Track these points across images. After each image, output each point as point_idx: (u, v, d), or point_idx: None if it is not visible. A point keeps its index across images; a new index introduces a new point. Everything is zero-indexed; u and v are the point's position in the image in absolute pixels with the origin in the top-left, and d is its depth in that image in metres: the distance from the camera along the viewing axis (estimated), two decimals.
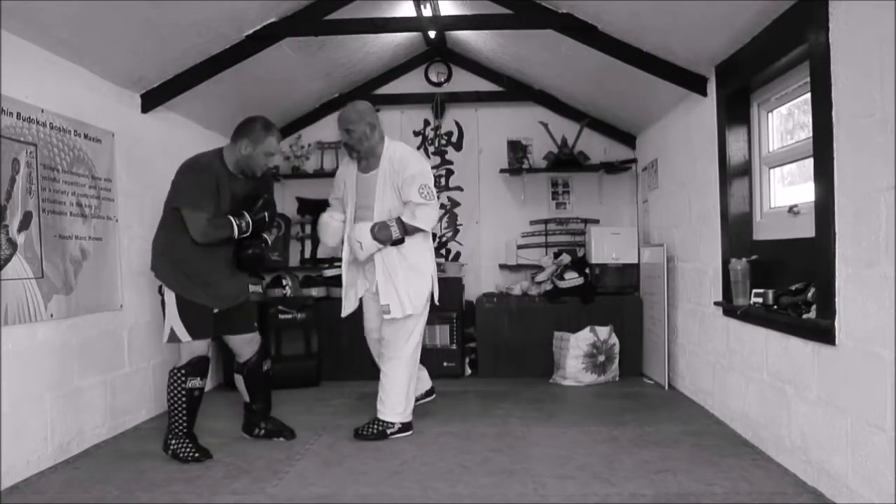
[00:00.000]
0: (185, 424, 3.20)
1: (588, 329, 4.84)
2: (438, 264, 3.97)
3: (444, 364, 5.08)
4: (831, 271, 2.52)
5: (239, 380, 3.49)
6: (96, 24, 3.16)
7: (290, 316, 4.95)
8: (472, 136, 5.86)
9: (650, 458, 3.13)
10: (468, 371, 5.27)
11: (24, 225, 2.99)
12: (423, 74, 5.78)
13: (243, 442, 3.51)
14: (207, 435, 3.42)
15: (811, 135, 2.73)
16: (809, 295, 2.80)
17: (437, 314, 4.21)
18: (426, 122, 5.86)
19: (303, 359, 4.94)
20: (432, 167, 5.38)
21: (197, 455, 3.19)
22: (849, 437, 2.45)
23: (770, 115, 3.53)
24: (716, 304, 3.75)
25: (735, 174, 3.62)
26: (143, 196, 3.96)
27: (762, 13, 2.98)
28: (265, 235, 3.37)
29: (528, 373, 5.06)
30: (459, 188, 5.87)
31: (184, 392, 3.16)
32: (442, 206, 5.77)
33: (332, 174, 5.47)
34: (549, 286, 5.25)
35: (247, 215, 3.22)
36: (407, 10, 4.37)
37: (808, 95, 2.80)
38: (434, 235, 4.63)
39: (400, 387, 3.55)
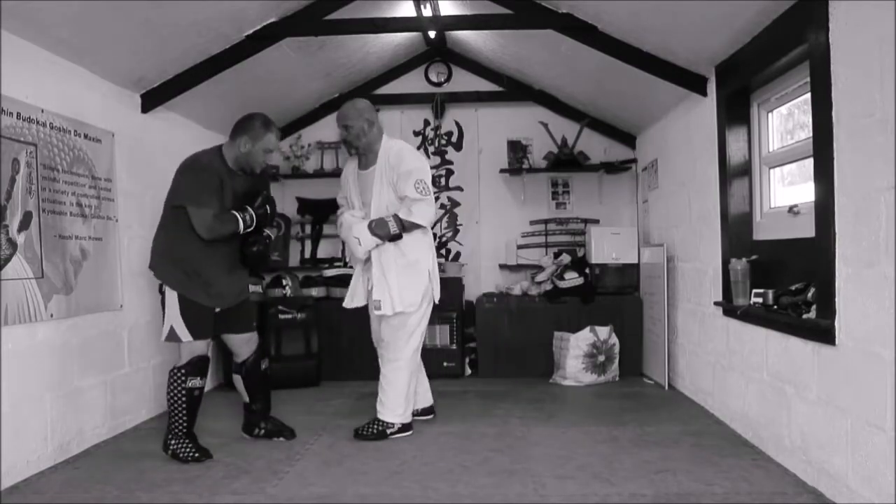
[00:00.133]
0: (185, 424, 3.20)
1: (588, 329, 4.84)
2: (439, 264, 3.94)
3: (444, 364, 5.08)
4: (831, 271, 2.52)
5: (238, 380, 3.49)
6: (96, 24, 3.16)
7: (290, 316, 4.95)
8: (472, 136, 5.85)
9: (650, 458, 3.13)
10: (468, 371, 5.27)
11: (24, 225, 2.99)
12: (423, 74, 5.77)
13: (243, 442, 3.51)
14: (207, 435, 3.42)
15: (811, 135, 2.73)
16: (809, 295, 2.80)
17: (437, 314, 4.20)
18: (426, 122, 5.86)
19: (303, 359, 4.94)
20: (432, 167, 5.38)
21: (197, 455, 3.19)
22: (849, 437, 2.45)
23: (770, 115, 3.53)
24: (716, 304, 3.75)
25: (735, 174, 3.62)
26: (143, 196, 3.96)
27: (762, 13, 2.98)
28: (268, 231, 3.37)
29: (528, 373, 5.06)
30: (459, 188, 5.87)
31: (184, 392, 3.16)
32: (442, 206, 5.78)
33: (332, 174, 5.51)
34: (549, 286, 5.25)
35: (250, 209, 3.24)
36: (407, 10, 4.37)
37: (808, 95, 2.81)
38: (434, 235, 4.62)
39: (400, 389, 3.55)
